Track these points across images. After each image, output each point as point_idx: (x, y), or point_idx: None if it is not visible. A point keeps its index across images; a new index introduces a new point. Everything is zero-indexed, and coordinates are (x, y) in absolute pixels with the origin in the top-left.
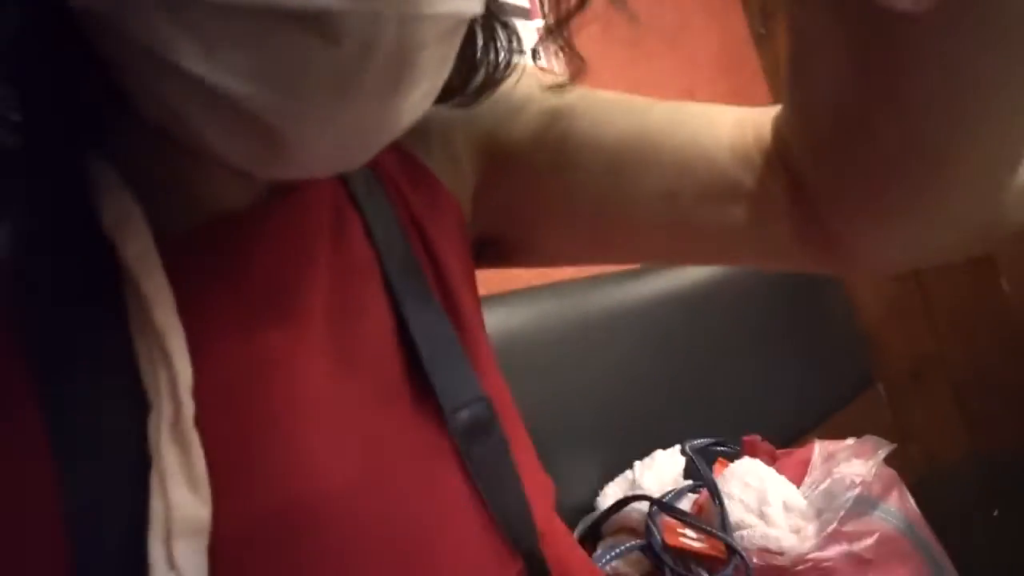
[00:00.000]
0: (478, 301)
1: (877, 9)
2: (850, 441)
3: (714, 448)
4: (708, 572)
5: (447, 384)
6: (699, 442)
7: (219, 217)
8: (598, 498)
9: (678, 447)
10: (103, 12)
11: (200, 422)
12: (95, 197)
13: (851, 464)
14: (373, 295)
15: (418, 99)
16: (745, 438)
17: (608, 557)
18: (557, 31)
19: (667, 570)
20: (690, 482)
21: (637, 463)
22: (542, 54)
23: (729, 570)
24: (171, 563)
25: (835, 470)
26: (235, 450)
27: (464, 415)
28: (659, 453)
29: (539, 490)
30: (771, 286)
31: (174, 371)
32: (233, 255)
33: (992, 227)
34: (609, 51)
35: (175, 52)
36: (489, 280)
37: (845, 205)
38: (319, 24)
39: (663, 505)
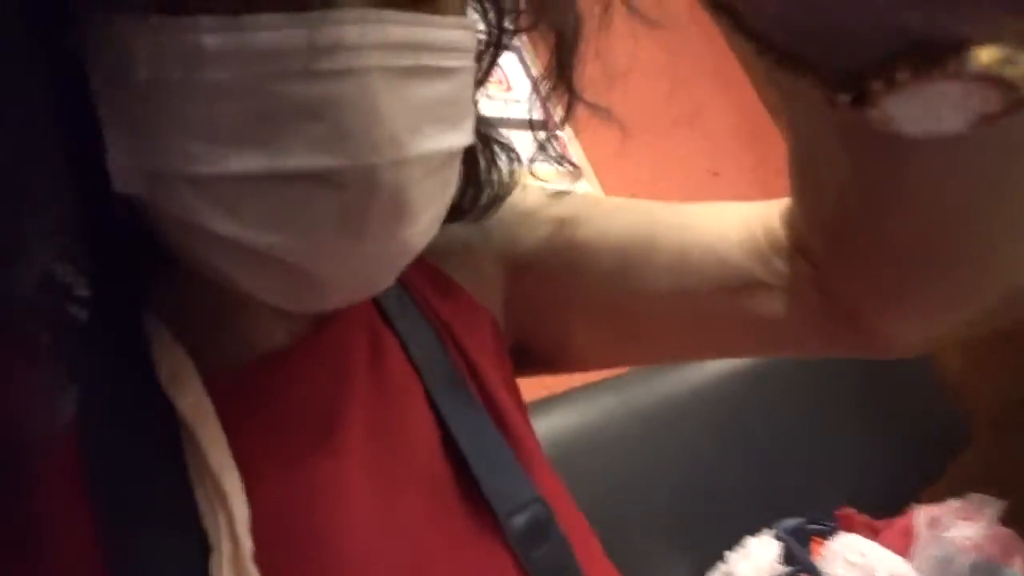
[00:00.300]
0: (522, 406)
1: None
2: (953, 502)
3: (807, 527)
4: None
5: (499, 489)
6: (790, 522)
7: (264, 356)
8: None
9: (769, 531)
10: (143, 196)
11: (256, 557)
12: (151, 353)
13: (959, 527)
14: (415, 409)
15: (426, 226)
16: (838, 512)
17: None
18: (549, 143)
19: None
20: (790, 568)
21: (730, 554)
22: (545, 160)
23: None
24: None
25: (943, 535)
26: (289, 571)
27: (520, 520)
28: (750, 540)
29: None
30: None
31: (231, 511)
32: (278, 391)
33: (1016, 299)
34: (630, 138)
35: (204, 219)
36: (545, 380)
37: (862, 296)
38: (326, 176)
39: None
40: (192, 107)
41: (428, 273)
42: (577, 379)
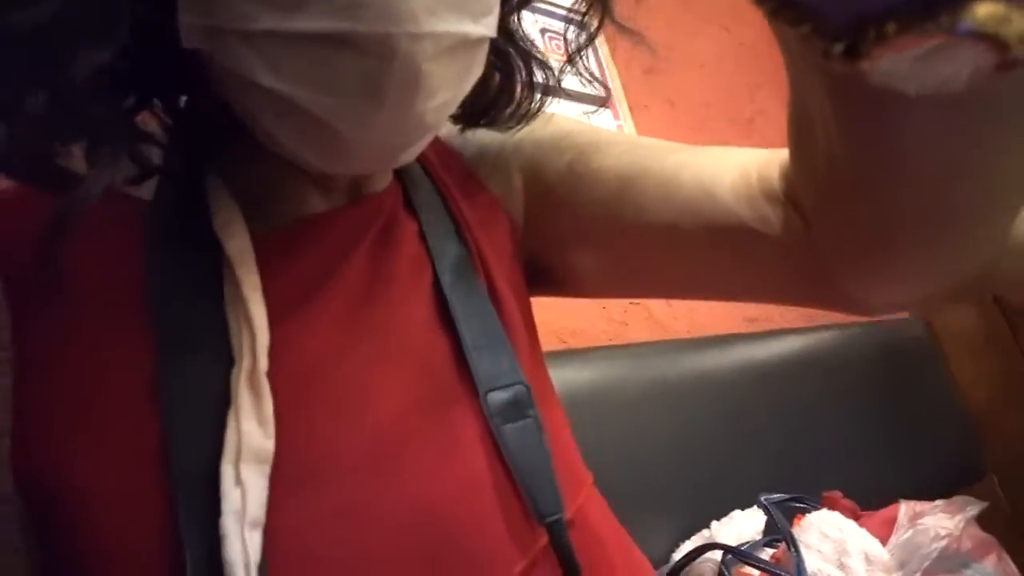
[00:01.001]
0: (526, 309)
1: (869, 85)
2: (939, 502)
3: (793, 504)
4: None
5: (486, 367)
6: (777, 496)
7: (301, 219)
8: (673, 553)
9: (756, 508)
10: (205, 50)
11: (271, 376)
12: (210, 204)
13: (937, 518)
14: (420, 287)
15: (440, 104)
16: (826, 493)
17: None
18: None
19: None
20: (768, 537)
21: (714, 522)
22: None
23: None
24: (238, 481)
25: (919, 522)
26: (296, 401)
27: (499, 396)
28: (737, 512)
29: (573, 478)
30: (865, 364)
31: (255, 334)
32: (304, 249)
33: (995, 267)
34: (684, 133)
35: (251, 71)
36: (565, 336)
37: (845, 254)
38: (349, 41)
39: (737, 552)
40: None
41: (462, 174)
42: (598, 341)
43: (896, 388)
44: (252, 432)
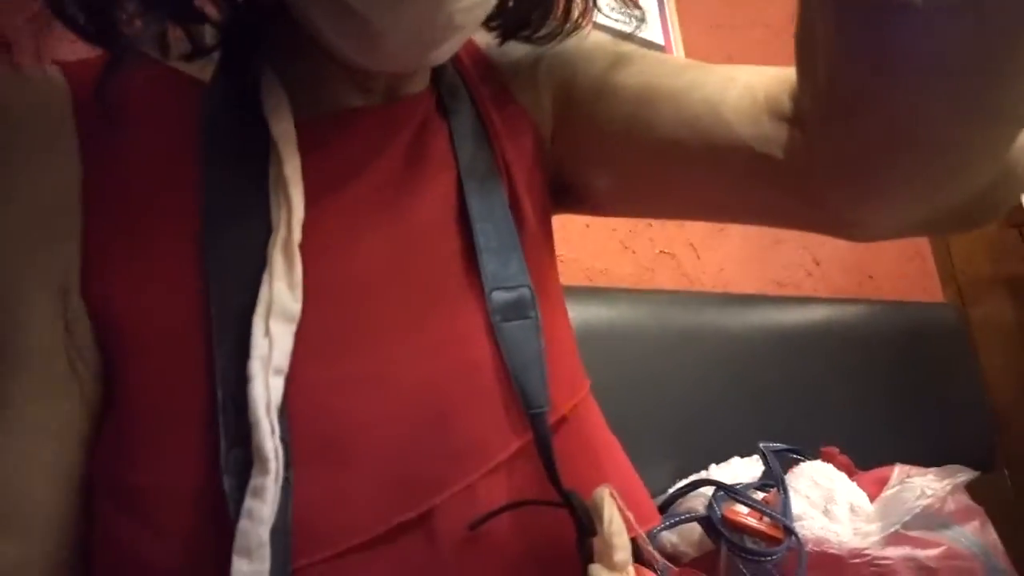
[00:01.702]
0: (547, 219)
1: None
2: (933, 468)
3: (791, 455)
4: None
5: (495, 268)
6: (776, 445)
7: (340, 111)
8: (670, 488)
9: (755, 458)
10: None
11: (302, 248)
12: (260, 90)
13: (927, 479)
14: (441, 185)
15: (465, 7)
16: (824, 448)
17: (665, 525)
18: None
19: (723, 543)
20: (761, 482)
21: (713, 465)
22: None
23: (783, 548)
24: (267, 332)
25: (907, 480)
26: (322, 272)
27: (502, 295)
28: (736, 459)
29: (567, 381)
30: (889, 342)
31: (292, 208)
32: (339, 137)
33: (999, 191)
34: None
35: None
36: (592, 275)
37: (845, 167)
38: None
39: (728, 489)
40: None
41: (495, 85)
42: (623, 283)
43: (918, 370)
44: (282, 292)
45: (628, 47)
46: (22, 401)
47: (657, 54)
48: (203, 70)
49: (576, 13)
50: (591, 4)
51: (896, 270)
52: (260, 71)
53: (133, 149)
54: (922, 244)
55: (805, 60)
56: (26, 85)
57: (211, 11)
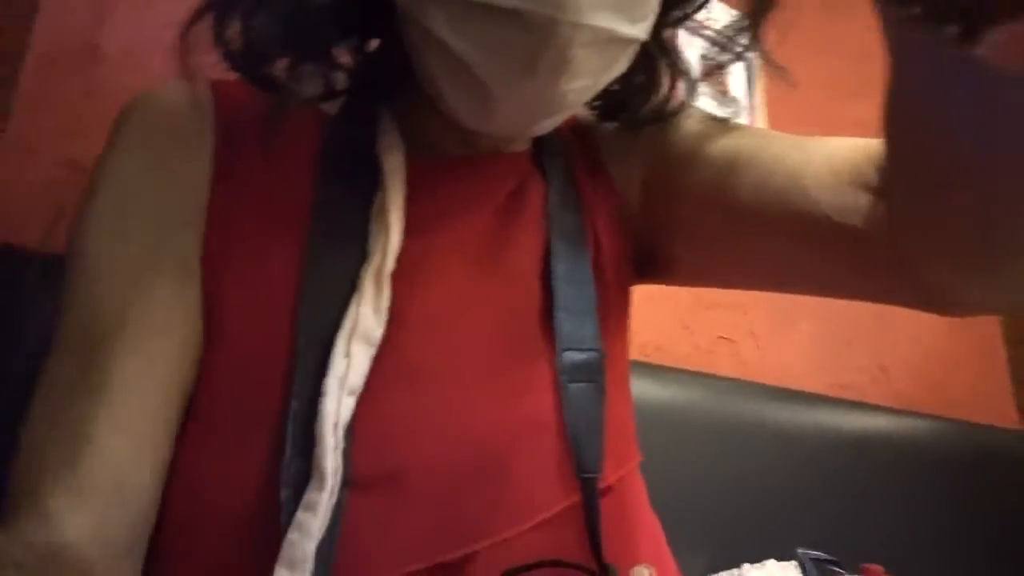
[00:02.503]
0: (626, 289)
1: (978, 71)
2: None
3: (831, 567)
4: None
5: (570, 329)
6: (815, 553)
7: (448, 158)
8: None
9: (793, 565)
10: (404, 4)
11: (394, 277)
12: (378, 130)
13: None
14: (532, 242)
15: (578, 89)
16: (866, 565)
17: None
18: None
19: None
20: None
21: (747, 564)
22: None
23: None
24: (347, 353)
25: None
26: (408, 303)
27: (573, 356)
28: (771, 562)
29: (620, 451)
30: (953, 463)
31: (389, 239)
32: (444, 183)
33: None
34: None
35: (434, 25)
36: (652, 354)
37: (942, 242)
38: (518, 17)
39: None
40: None
41: (589, 156)
42: (679, 363)
43: (980, 498)
44: (368, 316)
45: (720, 118)
46: (136, 378)
47: (749, 126)
48: (330, 104)
49: (675, 103)
50: (688, 95)
51: (969, 387)
52: (379, 113)
53: (257, 167)
54: (999, 362)
55: (898, 133)
56: (187, 95)
57: (346, 59)
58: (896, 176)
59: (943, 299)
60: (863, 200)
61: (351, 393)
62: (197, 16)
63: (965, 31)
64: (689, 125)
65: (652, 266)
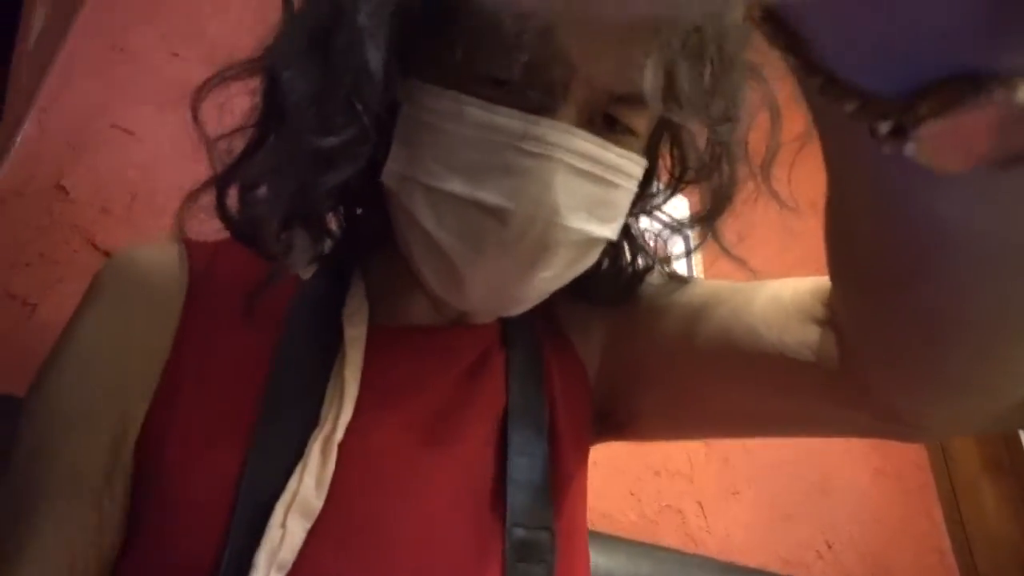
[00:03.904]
0: (585, 460)
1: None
2: None
3: None
4: None
5: (520, 504)
6: None
7: (411, 327)
8: None
9: None
10: (393, 188)
11: (342, 447)
12: (346, 294)
13: None
14: (489, 417)
15: (548, 278)
16: None
17: None
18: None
19: None
20: None
21: None
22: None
23: None
24: (283, 524)
25: None
26: (354, 474)
27: (522, 532)
28: None
29: None
30: None
31: (342, 409)
32: (404, 354)
33: None
34: None
35: (420, 214)
36: (597, 521)
37: (893, 362)
38: (497, 212)
39: None
40: (444, 144)
41: (552, 325)
42: (624, 531)
43: None
44: (309, 487)
45: (676, 274)
46: (52, 529)
47: (703, 279)
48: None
49: (634, 286)
50: (642, 275)
51: (914, 563)
52: (351, 277)
53: (223, 326)
54: (943, 540)
55: (840, 247)
56: (163, 256)
57: (333, 225)
58: (842, 299)
59: (908, 423)
60: (812, 333)
61: (281, 568)
62: (202, 189)
63: (896, 128)
64: (646, 286)
65: (613, 422)
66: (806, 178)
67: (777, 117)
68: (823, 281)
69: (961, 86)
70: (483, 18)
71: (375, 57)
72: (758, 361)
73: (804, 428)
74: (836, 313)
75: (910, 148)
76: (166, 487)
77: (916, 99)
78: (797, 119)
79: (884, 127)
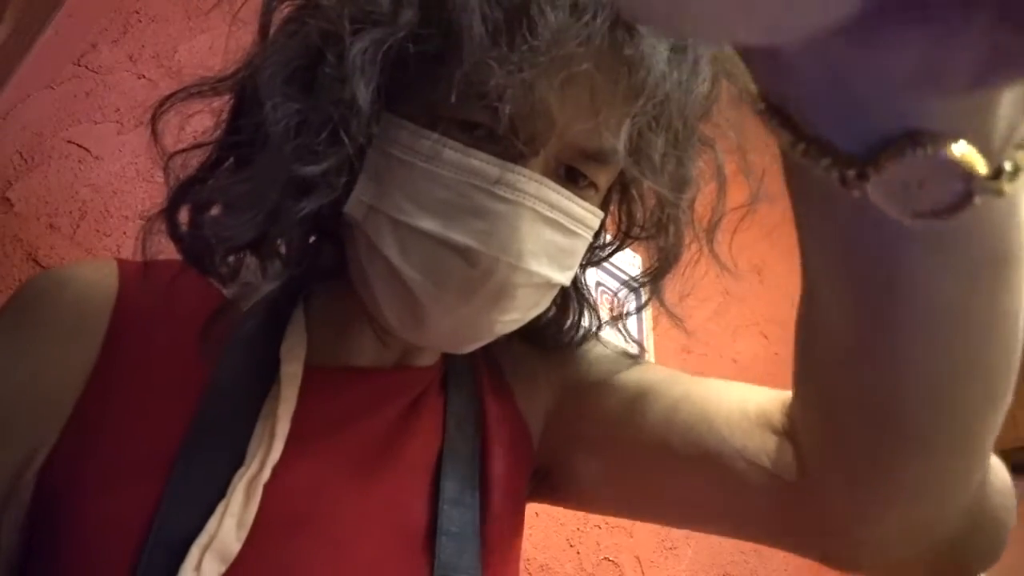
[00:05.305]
0: (520, 512)
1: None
2: None
3: None
4: None
5: (449, 555)
6: None
7: (350, 368)
8: None
9: None
10: (358, 219)
11: (267, 488)
12: (286, 329)
13: None
14: (423, 458)
15: (508, 320)
16: None
17: None
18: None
19: None
20: None
21: None
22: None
23: None
24: (198, 567)
25: None
26: (277, 517)
27: None
28: None
29: None
30: None
31: (271, 449)
32: (341, 392)
33: (971, 539)
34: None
35: (386, 248)
36: (536, 573)
37: (841, 476)
38: (465, 252)
39: None
40: (417, 181)
41: (498, 379)
42: None
43: None
44: (229, 530)
45: (629, 352)
46: None
47: (655, 364)
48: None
49: (582, 333)
50: (596, 328)
51: None
52: (293, 310)
53: (155, 352)
54: None
55: (801, 349)
56: (93, 274)
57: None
58: (801, 400)
59: (852, 537)
60: (771, 442)
61: None
62: (159, 214)
63: (860, 174)
64: (597, 355)
65: (551, 483)
66: (747, 245)
67: (724, 185)
68: (784, 394)
69: (905, 142)
70: (473, 66)
71: (363, 92)
72: (713, 456)
73: (747, 532)
74: (795, 422)
75: (869, 188)
76: (72, 520)
77: (876, 153)
78: (741, 190)
79: (851, 174)
